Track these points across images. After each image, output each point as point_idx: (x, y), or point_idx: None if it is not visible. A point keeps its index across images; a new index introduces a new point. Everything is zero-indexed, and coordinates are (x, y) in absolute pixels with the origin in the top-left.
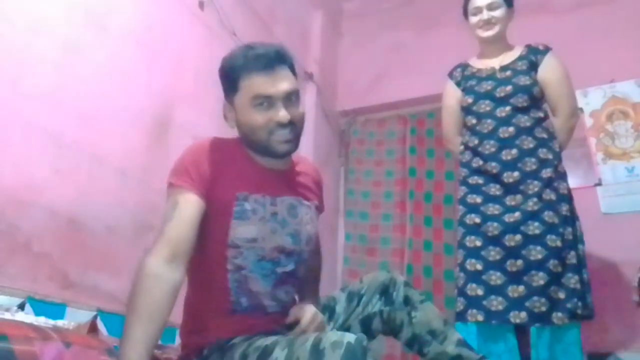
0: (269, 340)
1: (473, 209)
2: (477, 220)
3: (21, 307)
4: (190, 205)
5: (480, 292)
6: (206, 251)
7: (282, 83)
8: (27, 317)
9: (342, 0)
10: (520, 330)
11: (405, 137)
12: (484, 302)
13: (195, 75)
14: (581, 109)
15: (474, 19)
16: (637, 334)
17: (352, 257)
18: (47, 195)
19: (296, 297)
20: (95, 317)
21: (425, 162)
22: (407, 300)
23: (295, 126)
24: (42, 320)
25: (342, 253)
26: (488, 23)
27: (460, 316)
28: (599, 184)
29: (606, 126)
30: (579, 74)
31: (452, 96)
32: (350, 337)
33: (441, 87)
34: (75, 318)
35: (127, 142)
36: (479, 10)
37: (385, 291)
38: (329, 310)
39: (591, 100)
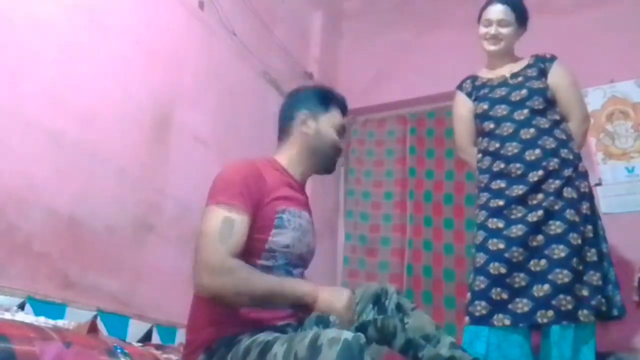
0: (271, 336)
1: (496, 213)
2: (500, 225)
3: (21, 307)
4: (244, 225)
5: (505, 295)
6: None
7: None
8: (27, 317)
9: (342, 0)
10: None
11: (405, 137)
12: (510, 306)
13: (195, 75)
14: None
15: (482, 30)
16: (637, 334)
17: (352, 257)
18: (47, 195)
19: None
20: (95, 317)
21: (425, 162)
22: (399, 308)
23: None
24: (42, 320)
25: (342, 253)
26: (494, 38)
27: (485, 320)
28: (599, 184)
29: (606, 126)
30: (579, 74)
31: (464, 106)
32: (347, 334)
33: (441, 87)
34: (75, 318)
35: (127, 142)
36: (489, 23)
37: (377, 300)
38: (323, 320)
39: (591, 100)
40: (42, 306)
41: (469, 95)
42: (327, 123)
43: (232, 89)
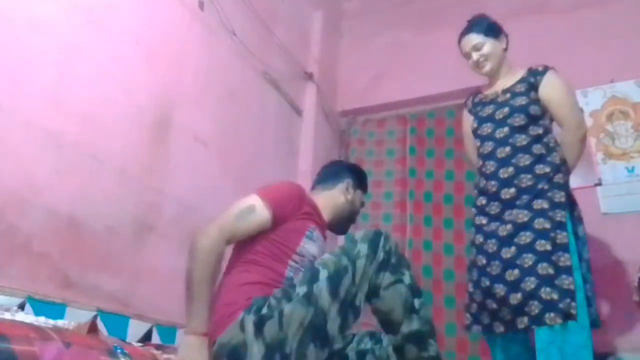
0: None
1: (478, 229)
2: (481, 239)
3: (21, 307)
4: (263, 217)
5: (494, 306)
6: (273, 252)
7: None
8: (27, 317)
9: (342, 0)
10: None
11: (405, 137)
12: (500, 315)
13: (195, 75)
14: (581, 109)
15: (468, 62)
16: (637, 334)
17: None
18: (47, 195)
19: None
20: (95, 317)
21: (425, 162)
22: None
23: None
24: (42, 320)
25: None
26: (479, 63)
27: (486, 329)
28: (599, 184)
29: (606, 126)
30: (579, 74)
31: (467, 123)
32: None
33: (441, 87)
34: (75, 318)
35: (127, 142)
36: (468, 54)
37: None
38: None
39: (591, 100)
40: (42, 306)
41: (470, 112)
42: (358, 198)
43: (232, 89)
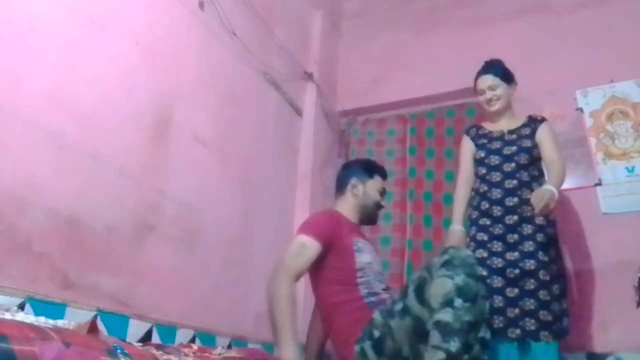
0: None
1: (481, 244)
2: (484, 254)
3: (21, 307)
4: (314, 248)
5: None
6: (341, 281)
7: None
8: (27, 317)
9: (342, 0)
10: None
11: (405, 137)
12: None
13: (195, 75)
14: (581, 109)
15: (480, 98)
16: (637, 334)
17: None
18: (47, 195)
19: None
20: (95, 317)
21: (425, 162)
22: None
23: None
24: (42, 320)
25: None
26: (490, 101)
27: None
28: (599, 184)
29: (606, 126)
30: (579, 74)
31: (467, 147)
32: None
33: (441, 87)
34: (75, 318)
35: (127, 142)
36: (483, 91)
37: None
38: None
39: (591, 100)
40: (42, 306)
41: (472, 139)
42: (371, 187)
43: (232, 89)
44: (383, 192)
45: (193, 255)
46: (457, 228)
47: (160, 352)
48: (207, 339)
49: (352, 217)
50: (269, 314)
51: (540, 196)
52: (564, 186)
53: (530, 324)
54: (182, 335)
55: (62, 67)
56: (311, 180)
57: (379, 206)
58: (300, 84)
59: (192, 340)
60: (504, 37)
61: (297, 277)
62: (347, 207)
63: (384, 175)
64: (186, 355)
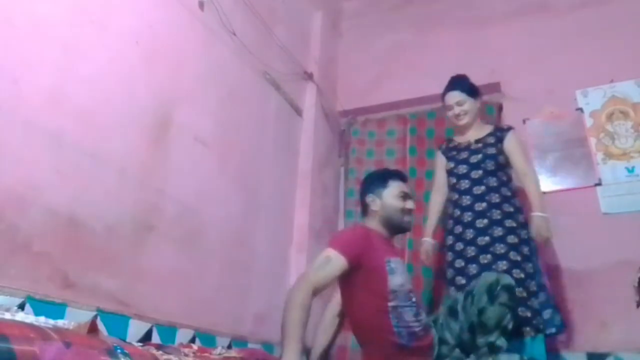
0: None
1: (458, 255)
2: (462, 264)
3: (21, 307)
4: (339, 263)
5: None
6: (369, 300)
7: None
8: (27, 317)
9: (342, 0)
10: None
11: (405, 137)
12: None
13: (195, 75)
14: (581, 109)
15: (449, 113)
16: (637, 334)
17: None
18: (47, 195)
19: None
20: (95, 317)
21: (426, 162)
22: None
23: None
24: (42, 320)
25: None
26: (459, 115)
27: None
28: (599, 184)
29: (606, 126)
30: (579, 74)
31: (441, 162)
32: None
33: (441, 87)
34: (75, 318)
35: (127, 142)
36: (450, 107)
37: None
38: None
39: (591, 100)
40: (42, 306)
41: (443, 153)
42: (389, 196)
43: (232, 89)
44: (405, 196)
45: (193, 255)
46: (424, 240)
47: (160, 352)
48: (207, 339)
49: (383, 232)
50: (283, 318)
51: (545, 229)
52: (564, 186)
53: None
54: (182, 335)
55: (62, 67)
56: (311, 180)
57: (404, 211)
58: (300, 84)
59: (192, 340)
60: (504, 37)
61: (317, 290)
62: (374, 223)
63: (400, 177)
64: (186, 355)
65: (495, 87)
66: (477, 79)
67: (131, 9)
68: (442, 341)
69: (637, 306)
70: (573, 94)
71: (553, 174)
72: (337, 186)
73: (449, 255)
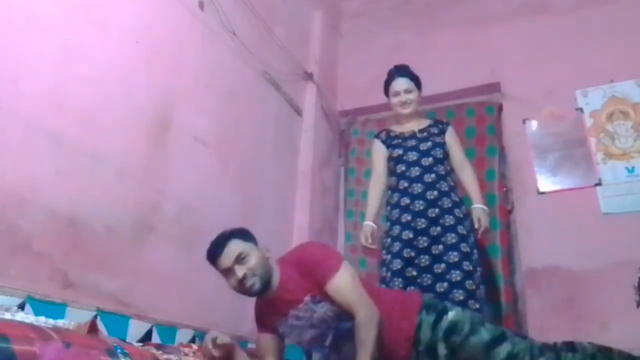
0: None
1: (407, 244)
2: (412, 254)
3: (21, 307)
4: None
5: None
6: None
7: (225, 260)
8: (27, 317)
9: (342, 0)
10: None
11: None
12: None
13: (195, 75)
14: (581, 109)
15: (394, 100)
16: (637, 334)
17: (352, 257)
18: (47, 195)
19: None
20: (95, 317)
21: None
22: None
23: (247, 278)
24: (42, 320)
25: (342, 253)
26: (405, 103)
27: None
28: (599, 184)
29: (606, 126)
30: (579, 74)
31: (380, 150)
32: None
33: (441, 87)
34: (75, 318)
35: (127, 142)
36: (397, 93)
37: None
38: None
39: (591, 100)
40: (42, 306)
41: (384, 142)
42: None
43: (232, 89)
44: (226, 273)
45: (193, 255)
46: (366, 223)
47: (160, 352)
48: None
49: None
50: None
51: (486, 220)
52: (564, 186)
53: (459, 295)
54: (182, 335)
55: (62, 67)
56: (311, 180)
57: (236, 289)
58: (300, 84)
59: (192, 340)
60: (504, 37)
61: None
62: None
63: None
64: (186, 355)
65: (495, 87)
66: (477, 79)
67: (131, 9)
68: None
69: (637, 306)
70: (573, 94)
71: (553, 174)
72: (337, 186)
73: (395, 246)
